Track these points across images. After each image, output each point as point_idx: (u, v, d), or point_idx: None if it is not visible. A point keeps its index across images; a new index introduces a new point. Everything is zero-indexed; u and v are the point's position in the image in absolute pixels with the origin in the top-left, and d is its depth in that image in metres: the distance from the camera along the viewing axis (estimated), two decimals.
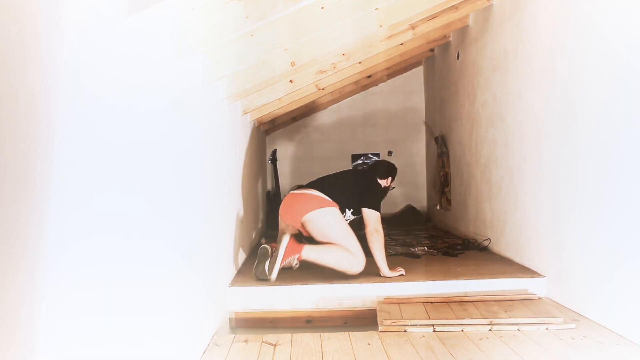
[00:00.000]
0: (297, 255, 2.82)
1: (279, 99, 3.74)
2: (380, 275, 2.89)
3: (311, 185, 3.17)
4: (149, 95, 1.55)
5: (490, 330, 2.19)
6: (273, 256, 2.81)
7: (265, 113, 4.14)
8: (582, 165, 2.33)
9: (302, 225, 3.01)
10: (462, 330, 2.20)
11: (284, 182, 5.89)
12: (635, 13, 1.94)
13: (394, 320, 2.28)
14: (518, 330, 2.18)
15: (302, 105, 4.89)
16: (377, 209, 3.05)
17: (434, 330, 2.20)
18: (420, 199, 6.00)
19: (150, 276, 1.51)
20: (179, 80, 1.91)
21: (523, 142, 3.02)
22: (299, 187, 3.24)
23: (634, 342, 1.96)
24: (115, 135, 1.29)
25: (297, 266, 2.84)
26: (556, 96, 2.58)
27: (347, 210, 3.12)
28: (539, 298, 2.63)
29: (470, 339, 2.10)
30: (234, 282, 2.82)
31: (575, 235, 2.41)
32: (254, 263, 2.87)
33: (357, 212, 3.12)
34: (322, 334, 2.21)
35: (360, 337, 2.15)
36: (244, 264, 3.38)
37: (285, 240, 2.79)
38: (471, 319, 2.27)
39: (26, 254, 0.89)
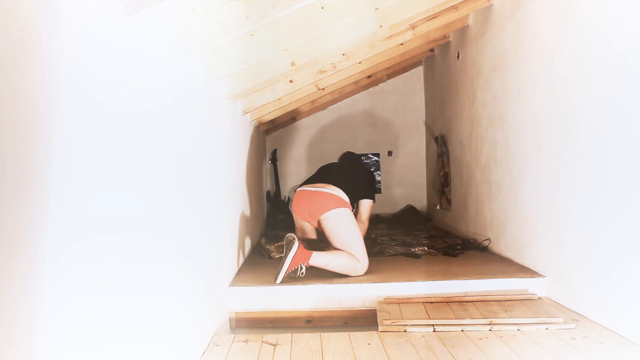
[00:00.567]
0: (304, 263, 2.82)
1: (279, 99, 3.74)
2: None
3: (317, 179, 3.27)
4: (148, 95, 1.55)
5: (490, 330, 2.19)
6: (281, 261, 2.84)
7: (265, 113, 4.14)
8: (582, 165, 2.33)
9: (318, 223, 3.12)
10: (462, 330, 2.20)
11: (284, 182, 5.89)
12: (634, 13, 1.94)
13: (394, 320, 2.28)
14: (518, 330, 2.18)
15: (300, 106, 4.90)
16: (373, 198, 3.38)
17: (434, 330, 2.20)
18: (420, 199, 6.00)
19: (150, 276, 1.51)
20: (178, 80, 1.91)
21: (523, 142, 3.02)
22: (308, 182, 3.29)
23: (634, 342, 1.96)
24: (115, 135, 1.29)
25: (303, 275, 2.83)
26: (556, 96, 2.58)
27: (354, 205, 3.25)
28: (539, 298, 2.63)
29: (470, 339, 2.10)
30: (234, 282, 2.82)
31: (575, 235, 2.41)
32: (253, 262, 2.87)
33: (355, 203, 3.28)
34: (322, 334, 2.21)
35: (360, 337, 2.15)
36: (244, 263, 3.38)
37: (294, 248, 2.81)
38: (471, 319, 2.27)
39: (26, 253, 0.89)
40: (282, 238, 3.91)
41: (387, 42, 3.64)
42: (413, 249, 3.69)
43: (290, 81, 3.50)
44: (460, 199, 4.44)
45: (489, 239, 3.66)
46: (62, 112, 1.02)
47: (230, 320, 2.69)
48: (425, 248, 3.73)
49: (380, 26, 2.81)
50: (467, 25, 4.10)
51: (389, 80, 5.93)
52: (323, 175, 3.33)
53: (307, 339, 2.15)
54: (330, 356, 1.96)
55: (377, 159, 6.03)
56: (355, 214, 3.29)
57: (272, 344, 2.10)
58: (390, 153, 6.03)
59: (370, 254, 3.57)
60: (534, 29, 2.85)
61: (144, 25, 1.50)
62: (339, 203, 3.09)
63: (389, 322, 2.27)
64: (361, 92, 5.88)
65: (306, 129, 6.04)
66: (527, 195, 2.98)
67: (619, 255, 2.06)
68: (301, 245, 2.85)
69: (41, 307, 0.93)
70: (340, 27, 2.69)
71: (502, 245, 3.41)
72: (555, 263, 2.62)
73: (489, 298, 2.59)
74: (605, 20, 2.14)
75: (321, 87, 4.17)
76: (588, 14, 2.27)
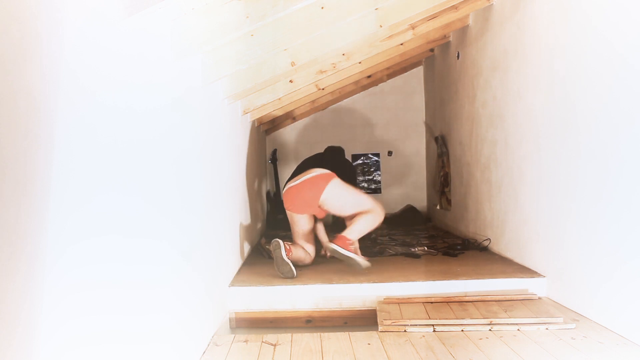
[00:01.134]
0: (352, 245, 2.97)
1: (279, 99, 3.74)
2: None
3: (296, 174, 3.31)
4: (148, 95, 1.55)
5: (490, 330, 2.19)
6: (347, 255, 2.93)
7: (265, 113, 4.14)
8: (582, 165, 2.33)
9: (320, 207, 3.14)
10: (462, 330, 2.20)
11: (284, 182, 5.89)
12: (634, 13, 1.94)
13: (394, 320, 2.28)
14: (518, 330, 2.18)
15: (301, 106, 4.90)
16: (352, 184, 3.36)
17: (434, 330, 2.20)
18: (420, 199, 6.00)
19: (150, 276, 1.51)
20: (178, 80, 1.91)
21: (523, 142, 3.02)
22: (289, 180, 3.32)
23: (634, 342, 1.96)
24: (115, 135, 1.29)
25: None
26: (556, 96, 2.58)
27: None
28: (539, 298, 2.63)
29: (470, 339, 2.10)
30: (234, 282, 2.82)
31: (575, 235, 2.41)
32: (253, 262, 2.87)
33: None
34: (322, 334, 2.21)
35: (360, 337, 2.15)
36: (244, 263, 3.38)
37: (321, 231, 3.04)
38: (471, 319, 2.27)
39: (26, 253, 0.89)
40: (282, 238, 3.91)
41: (387, 42, 3.64)
42: (413, 249, 3.69)
43: (290, 81, 3.50)
44: (460, 199, 4.44)
45: (489, 239, 3.66)
46: (62, 112, 1.02)
47: (230, 320, 2.69)
48: (425, 248, 3.73)
49: (380, 26, 2.81)
50: (467, 25, 4.10)
51: (389, 80, 5.93)
52: (302, 168, 3.38)
53: (307, 339, 2.15)
54: (330, 356, 1.96)
55: (377, 159, 6.03)
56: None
57: (272, 344, 2.10)
58: (390, 153, 6.03)
59: (370, 254, 3.57)
60: (534, 29, 2.85)
61: (144, 25, 1.50)
62: (326, 178, 3.12)
63: (389, 322, 2.27)
64: (361, 92, 5.88)
65: (306, 129, 6.03)
66: (527, 195, 2.98)
67: (619, 255, 2.06)
68: (340, 238, 2.96)
69: (41, 307, 0.93)
70: (340, 27, 2.69)
71: (502, 245, 3.41)
72: (555, 263, 2.62)
73: (489, 298, 2.59)
74: (605, 20, 2.14)
75: (321, 87, 4.17)
76: (588, 14, 2.27)
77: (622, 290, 2.05)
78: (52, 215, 0.97)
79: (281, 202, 5.58)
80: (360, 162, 6.00)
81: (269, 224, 5.30)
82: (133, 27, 1.42)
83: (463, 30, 4.21)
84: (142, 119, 1.48)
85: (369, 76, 5.19)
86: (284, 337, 2.18)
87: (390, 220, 5.45)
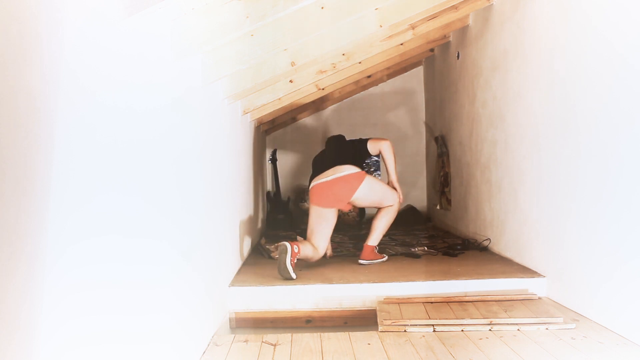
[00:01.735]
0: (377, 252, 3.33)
1: (279, 99, 3.74)
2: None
3: (321, 169, 3.36)
4: (148, 95, 1.55)
5: (490, 330, 2.19)
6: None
7: (265, 113, 4.13)
8: (582, 165, 2.33)
9: (349, 203, 3.31)
10: (462, 330, 2.20)
11: (284, 182, 5.89)
12: (634, 13, 1.94)
13: (394, 320, 2.28)
14: (518, 330, 2.18)
15: (300, 106, 4.90)
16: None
17: (434, 330, 2.20)
18: (420, 199, 6.00)
19: (150, 276, 1.51)
20: (178, 80, 1.91)
21: (523, 142, 3.02)
22: (315, 176, 3.37)
23: (634, 342, 1.96)
24: (115, 135, 1.29)
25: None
26: (556, 96, 2.58)
27: None
28: (539, 298, 2.63)
29: (470, 339, 2.10)
30: (234, 282, 2.82)
31: (575, 235, 2.41)
32: (253, 262, 2.88)
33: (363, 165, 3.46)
34: (322, 334, 2.21)
35: (360, 337, 2.15)
36: (244, 263, 3.38)
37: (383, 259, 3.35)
38: (471, 319, 2.27)
39: (26, 253, 0.89)
40: (282, 238, 3.91)
41: (387, 42, 3.63)
42: (413, 249, 3.69)
43: (290, 81, 3.50)
44: (460, 199, 4.44)
45: (489, 239, 3.66)
46: (62, 112, 1.02)
47: (230, 320, 2.69)
48: (425, 248, 3.73)
49: (380, 26, 2.81)
50: (467, 25, 4.10)
51: (389, 80, 5.92)
52: (323, 164, 3.41)
53: (307, 339, 2.15)
54: (330, 356, 1.96)
55: (377, 159, 6.02)
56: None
57: (272, 344, 2.10)
58: None
59: None
60: (534, 29, 2.85)
61: (144, 25, 1.50)
62: (359, 177, 3.27)
63: (389, 322, 2.27)
64: (361, 92, 5.88)
65: (306, 129, 6.03)
66: (527, 195, 2.98)
67: (619, 255, 2.06)
68: (365, 249, 3.28)
69: (41, 307, 0.93)
70: (340, 27, 2.68)
71: (502, 245, 3.41)
72: (555, 263, 2.62)
73: (489, 298, 2.59)
74: (605, 20, 2.14)
75: (321, 87, 4.17)
76: (588, 14, 2.27)
77: (622, 290, 2.05)
78: (52, 215, 0.97)
79: (281, 202, 5.59)
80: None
81: (269, 224, 5.30)
82: (133, 27, 1.42)
83: (463, 30, 4.21)
84: (142, 119, 1.48)
85: (369, 76, 5.19)
86: (284, 337, 2.18)
87: None
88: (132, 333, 1.35)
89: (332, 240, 3.57)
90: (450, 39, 4.63)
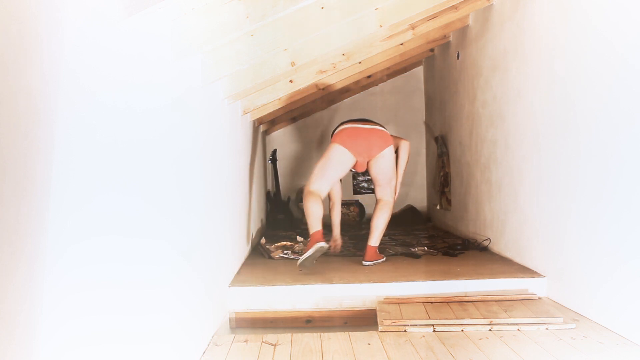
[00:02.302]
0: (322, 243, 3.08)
1: (279, 99, 3.74)
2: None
3: (357, 119, 3.41)
4: (148, 95, 1.55)
5: (490, 330, 2.19)
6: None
7: (265, 113, 4.13)
8: (582, 165, 2.33)
9: (370, 161, 3.31)
10: (462, 330, 2.20)
11: (284, 182, 5.89)
12: (634, 13, 1.94)
13: (394, 320, 2.28)
14: (518, 330, 2.18)
15: (301, 105, 4.89)
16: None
17: (434, 330, 2.20)
18: (420, 199, 6.00)
19: (150, 276, 1.51)
20: (178, 80, 1.91)
21: (523, 142, 3.02)
22: (351, 121, 3.39)
23: (634, 342, 1.96)
24: (115, 135, 1.29)
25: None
26: (556, 96, 2.58)
27: None
28: (539, 298, 2.63)
29: (470, 339, 2.10)
30: (234, 282, 2.82)
31: (575, 235, 2.41)
32: (253, 262, 2.87)
33: None
34: (322, 334, 2.21)
35: (360, 337, 2.15)
36: (244, 263, 3.38)
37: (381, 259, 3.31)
38: (471, 319, 2.27)
39: (26, 253, 0.89)
40: (282, 238, 3.92)
41: (387, 42, 3.64)
42: (413, 249, 3.69)
43: (290, 81, 3.50)
44: (460, 199, 4.44)
45: (489, 239, 3.66)
46: (62, 112, 1.02)
47: (230, 320, 2.69)
48: (425, 248, 3.73)
49: (380, 26, 2.81)
50: (467, 25, 4.10)
51: (389, 80, 5.92)
52: (352, 119, 3.46)
53: (307, 339, 2.15)
54: (330, 356, 1.96)
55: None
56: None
57: (272, 344, 2.10)
58: None
59: None
60: (534, 29, 2.85)
61: (144, 25, 1.50)
62: (389, 139, 3.32)
63: (389, 322, 2.27)
64: (361, 92, 5.88)
65: (306, 129, 6.03)
66: (527, 195, 2.98)
67: (619, 255, 2.06)
68: (368, 250, 3.28)
69: (41, 307, 0.93)
70: (340, 27, 2.68)
71: (502, 245, 3.41)
72: (555, 263, 2.62)
73: (489, 298, 2.59)
74: (605, 20, 2.14)
75: (321, 87, 4.17)
76: (588, 14, 2.27)
77: (622, 290, 2.05)
78: (52, 216, 0.97)
79: (281, 202, 5.59)
80: None
81: (269, 224, 5.30)
82: (133, 27, 1.42)
83: (463, 30, 4.21)
84: (142, 119, 1.48)
85: (369, 76, 5.19)
86: (284, 337, 2.18)
87: (390, 220, 5.44)
88: (132, 333, 1.35)
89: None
90: (450, 39, 4.63)
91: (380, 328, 2.25)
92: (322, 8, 2.37)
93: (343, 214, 5.01)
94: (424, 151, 6.02)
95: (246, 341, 2.15)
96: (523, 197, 3.03)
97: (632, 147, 1.97)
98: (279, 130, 5.98)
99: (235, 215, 3.22)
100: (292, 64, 2.80)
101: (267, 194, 5.61)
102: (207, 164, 2.37)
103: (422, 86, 5.99)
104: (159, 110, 1.63)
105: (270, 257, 3.53)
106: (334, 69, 3.57)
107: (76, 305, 1.07)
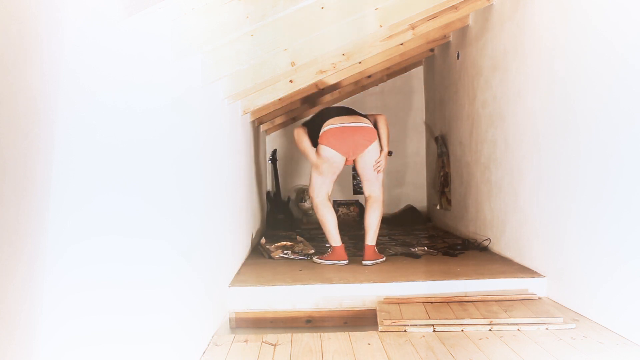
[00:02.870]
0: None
1: (279, 99, 3.74)
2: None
3: (340, 114, 3.41)
4: (148, 95, 1.55)
5: (490, 330, 2.19)
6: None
7: (265, 113, 4.13)
8: (582, 165, 2.33)
9: (356, 158, 3.35)
10: (462, 330, 2.20)
11: (284, 182, 5.89)
12: (634, 13, 1.94)
13: (394, 320, 2.28)
14: (518, 330, 2.18)
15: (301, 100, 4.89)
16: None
17: (434, 330, 2.20)
18: (420, 199, 6.00)
19: (150, 276, 1.51)
20: (178, 80, 1.91)
21: (523, 142, 3.02)
22: (334, 117, 3.38)
23: (634, 342, 1.96)
24: (115, 135, 1.29)
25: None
26: (556, 96, 2.58)
27: None
28: (539, 298, 2.63)
29: (470, 339, 2.10)
30: (234, 282, 2.82)
31: (575, 235, 2.41)
32: (253, 262, 2.88)
33: None
34: (322, 334, 2.21)
35: (360, 337, 2.15)
36: (244, 263, 3.38)
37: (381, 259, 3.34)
38: (471, 319, 2.27)
39: (26, 253, 0.89)
40: (282, 238, 3.91)
41: (387, 42, 3.63)
42: (413, 249, 3.69)
43: (290, 81, 3.50)
44: (460, 199, 4.44)
45: (489, 239, 3.66)
46: (62, 112, 1.02)
47: (230, 320, 2.69)
48: (425, 248, 3.73)
49: (380, 26, 2.81)
50: (467, 25, 4.10)
51: (389, 80, 5.92)
52: (338, 111, 3.46)
53: (307, 339, 2.15)
54: (330, 356, 1.96)
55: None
56: None
57: (272, 344, 2.10)
58: (390, 153, 5.99)
59: None
60: (533, 29, 2.85)
61: (144, 25, 1.50)
62: (374, 133, 3.35)
63: (389, 322, 2.27)
64: (361, 92, 5.88)
65: None
66: (527, 195, 2.98)
67: (619, 255, 2.06)
68: (367, 249, 3.30)
69: (41, 307, 0.93)
70: (340, 27, 2.68)
71: (502, 245, 3.41)
72: (555, 263, 2.62)
73: (489, 298, 2.59)
74: (605, 20, 2.14)
75: (321, 87, 4.17)
76: (588, 14, 2.27)
77: (622, 290, 2.05)
78: (52, 216, 0.97)
79: (281, 202, 5.59)
80: None
81: (269, 224, 5.30)
82: (133, 27, 1.42)
83: (463, 30, 4.21)
84: (142, 119, 1.48)
85: (369, 76, 5.19)
86: (284, 337, 2.18)
87: (390, 220, 5.45)
88: (132, 333, 1.35)
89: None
90: (450, 39, 4.63)
91: (380, 328, 2.25)
92: (322, 8, 2.37)
93: (343, 214, 5.02)
94: (424, 151, 6.02)
95: (246, 341, 2.15)
96: (523, 197, 3.03)
97: (632, 147, 1.97)
98: (279, 130, 5.98)
99: (235, 215, 3.22)
100: (292, 64, 2.80)
101: (267, 194, 5.61)
102: (207, 164, 2.37)
103: (422, 86, 5.99)
104: (158, 110, 1.63)
105: (270, 257, 3.53)
106: (334, 69, 3.57)
107: (76, 305, 1.07)
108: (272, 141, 5.97)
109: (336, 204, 5.63)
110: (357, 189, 5.98)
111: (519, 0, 3.06)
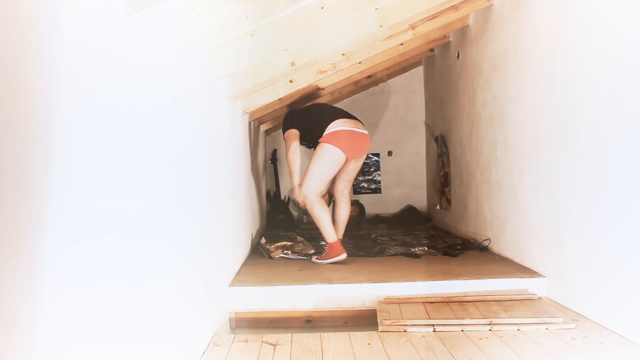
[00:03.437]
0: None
1: (279, 99, 3.74)
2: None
3: (342, 115, 3.58)
4: (148, 95, 1.55)
5: (490, 330, 2.19)
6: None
7: (265, 113, 4.13)
8: (581, 164, 2.33)
9: (350, 162, 3.58)
10: (462, 330, 2.20)
11: (284, 182, 5.89)
12: (634, 13, 1.94)
13: (394, 320, 2.28)
14: (518, 330, 2.18)
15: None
16: None
17: (434, 330, 2.20)
18: (420, 199, 6.00)
19: (150, 276, 1.51)
20: (178, 80, 1.91)
21: (523, 142, 3.02)
22: (339, 118, 3.54)
23: (634, 342, 1.96)
24: (115, 135, 1.29)
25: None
26: (556, 96, 2.58)
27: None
28: (539, 298, 2.63)
29: (470, 339, 2.10)
30: (234, 282, 2.82)
31: (575, 235, 2.41)
32: (253, 262, 2.88)
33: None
34: (322, 334, 2.21)
35: (360, 337, 2.15)
36: (244, 263, 3.38)
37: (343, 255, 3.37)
38: (471, 319, 2.27)
39: (26, 253, 0.89)
40: (282, 238, 3.92)
41: (387, 42, 3.63)
42: (413, 249, 3.69)
43: (290, 81, 3.50)
44: (460, 199, 4.44)
45: (489, 239, 3.66)
46: (62, 112, 1.02)
47: (230, 320, 2.69)
48: (425, 248, 3.73)
49: (380, 26, 2.81)
50: (467, 25, 4.10)
51: (389, 80, 5.92)
52: (336, 111, 3.63)
53: (307, 339, 2.15)
54: (330, 356, 1.96)
55: (377, 159, 6.03)
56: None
57: (272, 344, 2.10)
58: (390, 153, 6.02)
59: (371, 253, 3.58)
60: (533, 29, 2.85)
61: (144, 25, 1.50)
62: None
63: (389, 322, 2.27)
64: (361, 92, 5.87)
65: None
66: (527, 195, 2.98)
67: (619, 255, 2.06)
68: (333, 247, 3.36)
69: (41, 307, 0.93)
70: (340, 27, 2.68)
71: (502, 245, 3.41)
72: (555, 263, 2.62)
73: (489, 298, 2.59)
74: (605, 20, 2.14)
75: (321, 87, 4.17)
76: (588, 14, 2.27)
77: (622, 290, 2.05)
78: (52, 215, 0.97)
79: (281, 202, 5.59)
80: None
81: (269, 224, 5.30)
82: (133, 27, 1.42)
83: (463, 30, 4.21)
84: (142, 119, 1.48)
85: (369, 76, 5.19)
86: (284, 337, 2.18)
87: (390, 220, 5.45)
88: (132, 333, 1.35)
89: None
90: (450, 39, 4.63)
91: (380, 328, 2.25)
92: (322, 8, 2.37)
93: None
94: (424, 151, 6.02)
95: (246, 341, 2.15)
96: (523, 197, 3.03)
97: (632, 147, 1.97)
98: (279, 131, 5.97)
99: (235, 215, 3.22)
100: (292, 64, 2.80)
101: (267, 194, 5.61)
102: (207, 164, 2.37)
103: (422, 86, 5.99)
104: (159, 110, 1.63)
105: (270, 257, 3.53)
106: (334, 69, 3.57)
107: (76, 305, 1.07)
108: (272, 141, 5.97)
109: None
110: (357, 189, 5.99)
111: (519, 0, 3.06)
